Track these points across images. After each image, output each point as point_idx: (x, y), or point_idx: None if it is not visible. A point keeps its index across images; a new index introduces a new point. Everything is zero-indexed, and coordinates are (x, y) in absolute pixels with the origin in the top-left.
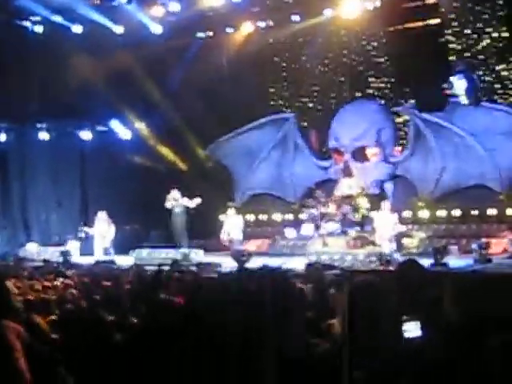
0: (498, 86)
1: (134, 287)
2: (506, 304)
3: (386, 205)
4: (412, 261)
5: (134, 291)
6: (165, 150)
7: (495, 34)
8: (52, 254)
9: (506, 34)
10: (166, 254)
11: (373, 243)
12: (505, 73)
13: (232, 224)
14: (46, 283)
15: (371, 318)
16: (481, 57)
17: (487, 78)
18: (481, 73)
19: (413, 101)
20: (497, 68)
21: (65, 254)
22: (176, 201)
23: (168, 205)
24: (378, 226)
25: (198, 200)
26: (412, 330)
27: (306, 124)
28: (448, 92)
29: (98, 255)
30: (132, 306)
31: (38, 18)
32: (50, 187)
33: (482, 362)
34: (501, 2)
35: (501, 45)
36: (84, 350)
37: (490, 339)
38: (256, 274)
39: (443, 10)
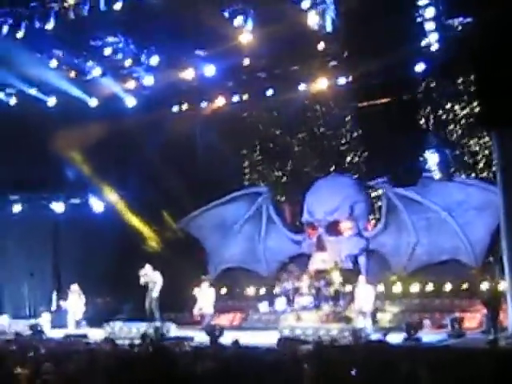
0: (470, 161)
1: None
2: (479, 379)
3: (361, 279)
4: (381, 341)
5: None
6: (138, 223)
7: (467, 110)
8: (24, 326)
9: (477, 110)
10: (138, 329)
11: (346, 318)
12: (476, 148)
13: (205, 298)
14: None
15: None
16: (453, 132)
17: (459, 153)
18: (453, 147)
19: (386, 175)
20: (469, 143)
21: (36, 327)
22: (147, 276)
23: (141, 281)
24: (357, 300)
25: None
26: None
27: (279, 198)
28: (421, 167)
29: (71, 328)
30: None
31: (11, 90)
32: (22, 259)
33: None
34: (472, 79)
35: (472, 120)
36: None
37: None
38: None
39: (415, 85)
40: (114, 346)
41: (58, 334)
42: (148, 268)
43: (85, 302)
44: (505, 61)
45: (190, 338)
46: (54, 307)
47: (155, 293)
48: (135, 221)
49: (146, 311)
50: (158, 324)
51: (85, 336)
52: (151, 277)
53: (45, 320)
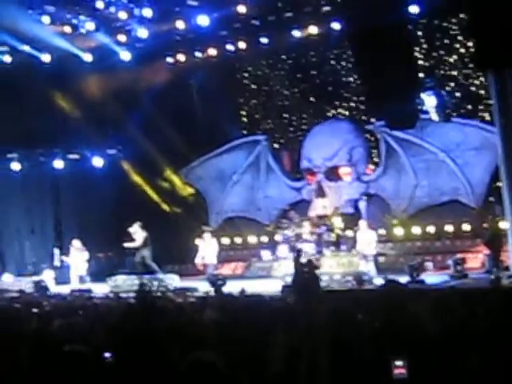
0: (467, 101)
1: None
2: (483, 320)
3: (362, 224)
4: (392, 281)
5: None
6: (138, 177)
7: (462, 50)
8: (27, 283)
9: (473, 49)
10: (141, 281)
11: (349, 262)
12: (473, 88)
13: (207, 248)
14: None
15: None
16: (449, 73)
17: (456, 94)
18: (450, 89)
19: (384, 119)
20: (465, 83)
21: (40, 283)
22: (136, 233)
23: (134, 237)
24: (359, 245)
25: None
26: (399, 367)
27: (277, 146)
28: (418, 109)
29: (74, 284)
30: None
31: (5, 48)
32: (23, 217)
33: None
34: (466, 18)
35: (468, 60)
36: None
37: (471, 358)
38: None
39: (410, 27)
40: (118, 300)
41: (62, 289)
42: (136, 226)
43: (87, 258)
44: (499, 1)
45: (194, 288)
46: (56, 263)
47: (138, 249)
48: (135, 175)
49: (137, 265)
50: (161, 276)
51: (89, 291)
52: (137, 235)
53: (48, 276)
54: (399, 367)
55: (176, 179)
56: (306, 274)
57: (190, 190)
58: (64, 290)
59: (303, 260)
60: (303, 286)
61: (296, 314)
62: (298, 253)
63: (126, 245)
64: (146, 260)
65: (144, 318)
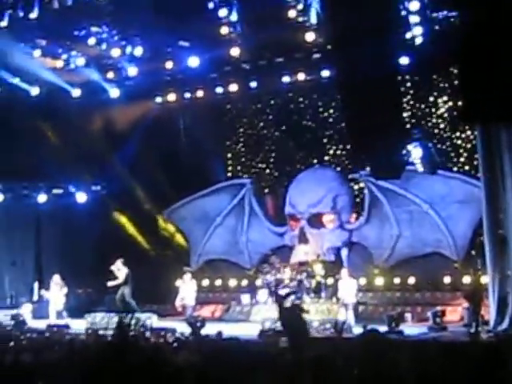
0: (453, 154)
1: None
2: (462, 372)
3: (344, 272)
4: (372, 330)
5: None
6: (120, 214)
7: (450, 103)
8: (5, 316)
9: (460, 103)
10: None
11: (328, 311)
12: (459, 142)
13: (187, 289)
14: None
15: None
16: (437, 125)
17: (443, 147)
18: (436, 141)
19: (369, 168)
20: (452, 136)
21: (17, 317)
22: (119, 270)
23: (117, 274)
24: (340, 293)
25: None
26: None
27: (262, 190)
28: (404, 160)
29: (53, 319)
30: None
31: None
32: (4, 249)
33: None
34: (455, 71)
35: (455, 114)
36: None
37: None
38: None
39: (399, 78)
40: (96, 337)
41: (39, 324)
42: (119, 262)
43: (66, 293)
44: (488, 56)
45: (172, 329)
46: (35, 298)
47: (119, 287)
48: (117, 212)
49: (117, 303)
50: (140, 315)
51: (67, 326)
52: (120, 272)
53: (26, 310)
54: None
55: (159, 219)
56: (294, 318)
57: (173, 230)
58: (41, 324)
59: (288, 304)
60: (293, 331)
61: (275, 358)
62: (284, 296)
63: (110, 284)
64: (125, 297)
65: (120, 354)
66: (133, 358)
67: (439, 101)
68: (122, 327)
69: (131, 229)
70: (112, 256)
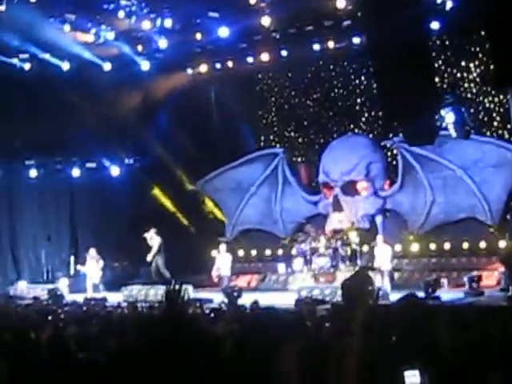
0: (486, 118)
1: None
2: (501, 336)
3: (379, 239)
4: (412, 295)
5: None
6: (154, 187)
7: (482, 67)
8: (42, 291)
9: (492, 67)
10: (156, 291)
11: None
12: (492, 106)
13: (222, 260)
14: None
15: (369, 364)
16: (469, 90)
17: (476, 111)
18: (469, 106)
19: (401, 134)
20: (485, 101)
21: (54, 291)
22: (151, 239)
23: (150, 243)
24: (375, 260)
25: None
26: (412, 378)
27: (295, 159)
28: (437, 125)
29: (89, 292)
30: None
31: (25, 56)
32: (39, 224)
33: None
34: (486, 35)
35: (487, 78)
36: None
37: (490, 376)
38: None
39: (430, 43)
40: (134, 309)
41: (76, 298)
42: (152, 232)
43: (103, 267)
44: None
45: (209, 299)
46: (71, 272)
47: (153, 257)
48: (152, 184)
49: (152, 274)
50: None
51: (104, 300)
52: (153, 240)
53: (63, 285)
54: (412, 376)
55: (192, 189)
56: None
57: (207, 201)
58: (78, 298)
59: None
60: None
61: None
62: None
63: (149, 256)
64: (159, 268)
65: (174, 324)
66: (186, 328)
67: (471, 65)
68: (172, 297)
69: (165, 201)
70: (147, 229)
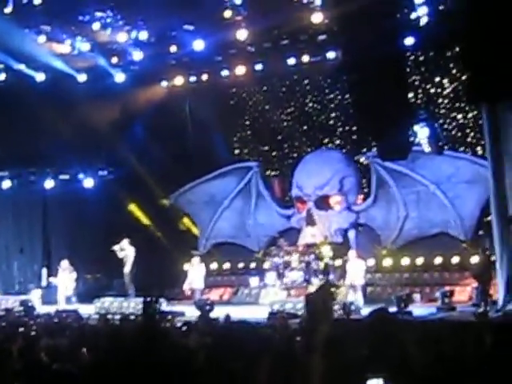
0: (459, 134)
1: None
2: (471, 351)
3: (352, 254)
4: (382, 309)
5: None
6: (128, 199)
7: (456, 83)
8: (14, 302)
9: (466, 83)
10: (129, 303)
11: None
12: (466, 121)
13: (195, 273)
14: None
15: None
16: (443, 105)
17: (449, 127)
18: (443, 121)
19: (375, 149)
20: (458, 116)
21: (26, 303)
22: (123, 250)
23: (119, 255)
24: (348, 274)
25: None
26: None
27: (269, 172)
28: (411, 140)
29: (61, 304)
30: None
31: (0, 66)
32: (12, 235)
33: None
34: (460, 52)
35: (460, 94)
36: None
37: None
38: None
39: (405, 58)
40: (105, 321)
41: (48, 310)
42: (125, 242)
43: (75, 278)
44: (493, 35)
45: (181, 312)
46: (44, 283)
47: (127, 267)
48: (125, 197)
49: (126, 287)
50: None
51: (76, 312)
52: (126, 251)
53: (35, 296)
54: None
55: (165, 202)
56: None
57: (180, 215)
58: (50, 310)
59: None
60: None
61: (284, 341)
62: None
63: (125, 269)
64: (125, 278)
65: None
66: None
67: (445, 81)
68: (148, 313)
69: (139, 214)
70: (118, 240)
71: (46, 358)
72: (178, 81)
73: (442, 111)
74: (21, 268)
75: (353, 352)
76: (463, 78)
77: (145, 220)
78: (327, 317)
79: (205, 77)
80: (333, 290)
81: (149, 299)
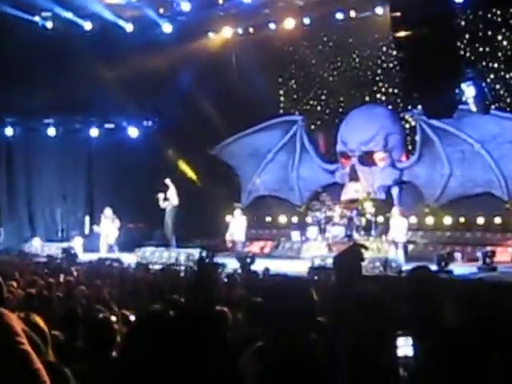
0: (506, 94)
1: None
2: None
3: (395, 211)
4: (425, 267)
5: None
6: (172, 150)
7: (505, 42)
8: (56, 249)
9: None
10: (169, 253)
11: (378, 248)
12: None
13: (237, 225)
14: (50, 279)
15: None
16: (490, 65)
17: (496, 86)
18: (490, 81)
19: (421, 106)
20: (506, 76)
21: (68, 250)
22: (167, 200)
23: (162, 205)
24: (391, 231)
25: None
26: (403, 346)
27: (313, 127)
28: (457, 99)
29: (103, 252)
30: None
31: (48, 14)
32: (55, 183)
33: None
34: (511, 10)
35: (510, 53)
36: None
37: (493, 355)
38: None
39: (453, 16)
40: (146, 271)
41: (90, 257)
42: (167, 180)
43: (118, 227)
44: None
45: (222, 264)
46: (86, 231)
47: (169, 218)
48: (169, 147)
49: (166, 235)
50: (189, 250)
51: (117, 260)
52: (170, 198)
53: (77, 244)
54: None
55: (209, 153)
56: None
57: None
58: (92, 257)
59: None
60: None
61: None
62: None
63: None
64: (168, 230)
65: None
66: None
67: (495, 39)
68: (204, 260)
69: (182, 165)
70: (163, 191)
71: (85, 304)
72: (225, 33)
73: (490, 70)
74: (64, 215)
75: (391, 308)
76: None
77: (188, 171)
78: (353, 279)
79: (252, 29)
80: (360, 251)
81: (205, 253)
